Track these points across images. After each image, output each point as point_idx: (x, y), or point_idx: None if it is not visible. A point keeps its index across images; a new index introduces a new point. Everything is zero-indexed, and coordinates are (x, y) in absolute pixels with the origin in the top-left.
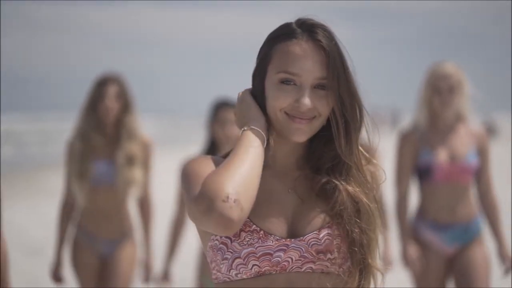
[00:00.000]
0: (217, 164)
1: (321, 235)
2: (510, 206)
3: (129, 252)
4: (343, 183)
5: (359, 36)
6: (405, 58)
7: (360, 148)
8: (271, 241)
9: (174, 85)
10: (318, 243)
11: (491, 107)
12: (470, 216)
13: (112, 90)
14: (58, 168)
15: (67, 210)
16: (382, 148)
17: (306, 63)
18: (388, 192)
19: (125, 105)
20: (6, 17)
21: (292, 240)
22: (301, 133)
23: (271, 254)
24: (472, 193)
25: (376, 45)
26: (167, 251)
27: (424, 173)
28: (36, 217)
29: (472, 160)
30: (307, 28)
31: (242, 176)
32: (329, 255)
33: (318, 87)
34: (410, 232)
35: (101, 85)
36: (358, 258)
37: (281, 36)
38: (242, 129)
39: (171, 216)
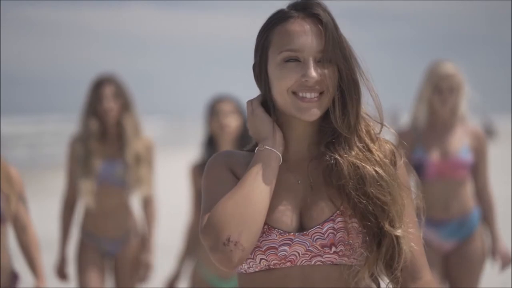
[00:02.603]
0: (240, 165)
1: (324, 229)
2: (510, 208)
3: (136, 250)
4: (343, 155)
5: (356, 37)
6: (404, 59)
7: (364, 122)
8: (275, 235)
9: (174, 87)
10: (322, 237)
11: (490, 109)
12: (465, 211)
13: (109, 91)
14: (64, 168)
15: (69, 208)
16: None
17: (307, 38)
18: None
19: (124, 104)
20: (6, 19)
21: (296, 234)
22: (312, 112)
23: (276, 248)
24: (468, 188)
25: (373, 46)
26: (182, 253)
27: (417, 171)
28: (45, 214)
29: (465, 155)
30: (302, 7)
31: (247, 211)
32: (334, 249)
33: (321, 60)
34: None
35: (97, 87)
36: (373, 229)
37: (276, 20)
38: (257, 148)
39: (187, 219)
